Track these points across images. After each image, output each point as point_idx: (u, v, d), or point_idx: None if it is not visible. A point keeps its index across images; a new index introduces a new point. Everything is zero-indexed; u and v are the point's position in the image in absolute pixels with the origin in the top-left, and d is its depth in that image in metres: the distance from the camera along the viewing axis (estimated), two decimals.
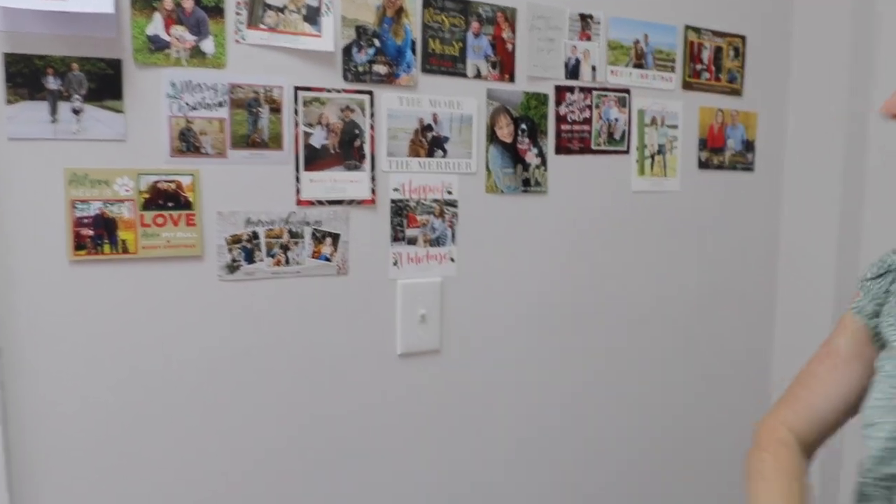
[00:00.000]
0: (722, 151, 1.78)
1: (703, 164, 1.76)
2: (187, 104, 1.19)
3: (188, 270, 1.21)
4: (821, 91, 1.80)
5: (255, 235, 1.26)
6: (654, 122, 1.66)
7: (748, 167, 1.84)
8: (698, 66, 1.71)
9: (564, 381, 1.60)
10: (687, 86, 1.70)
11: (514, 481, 1.57)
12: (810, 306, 1.85)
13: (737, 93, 1.79)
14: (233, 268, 1.25)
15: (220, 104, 1.21)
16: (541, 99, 1.50)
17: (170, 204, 1.19)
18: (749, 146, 1.83)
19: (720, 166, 1.78)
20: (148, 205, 1.18)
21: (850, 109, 1.75)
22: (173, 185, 1.20)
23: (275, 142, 1.26)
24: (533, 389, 1.57)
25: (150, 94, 1.16)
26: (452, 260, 1.44)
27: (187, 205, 1.21)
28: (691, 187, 1.74)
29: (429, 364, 1.44)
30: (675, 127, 1.69)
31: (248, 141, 1.24)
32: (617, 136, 1.61)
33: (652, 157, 1.67)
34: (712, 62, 1.73)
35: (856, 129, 1.76)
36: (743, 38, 1.77)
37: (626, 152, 1.63)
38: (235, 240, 1.25)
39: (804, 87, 1.84)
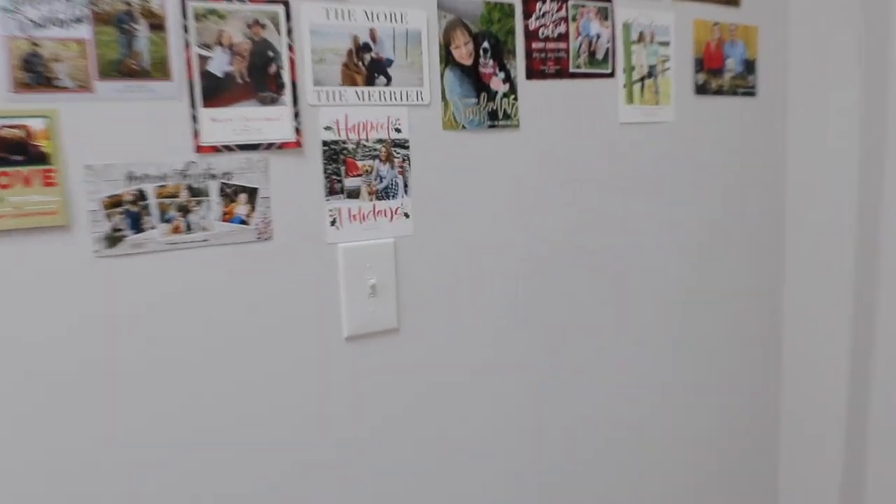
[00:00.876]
0: (720, 73, 1.51)
1: (701, 89, 1.48)
2: (30, 20, 0.87)
3: (50, 246, 0.91)
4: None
5: (141, 195, 0.96)
6: (641, 38, 1.38)
7: (749, 91, 1.57)
8: None
9: (551, 353, 1.34)
10: None
11: (490, 486, 1.31)
12: (824, 242, 1.60)
13: (734, 3, 1.51)
14: (113, 239, 0.95)
15: (78, 19, 0.90)
16: (505, 10, 1.20)
17: (16, 157, 0.88)
18: (750, 66, 1.56)
19: (719, 91, 1.51)
20: None
21: (865, 15, 1.48)
22: (20, 132, 0.88)
23: (159, 69, 0.95)
24: (515, 369, 1.30)
25: None
26: (406, 215, 1.15)
27: (42, 158, 0.89)
28: (688, 116, 1.46)
29: (385, 347, 1.16)
30: (666, 44, 1.41)
31: (122, 69, 0.93)
32: (599, 55, 1.32)
33: (641, 80, 1.39)
34: None
35: (873, 38, 1.49)
36: None
37: (611, 75, 1.34)
38: (114, 202, 0.94)
39: None
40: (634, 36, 1.36)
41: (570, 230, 1.33)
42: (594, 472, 1.43)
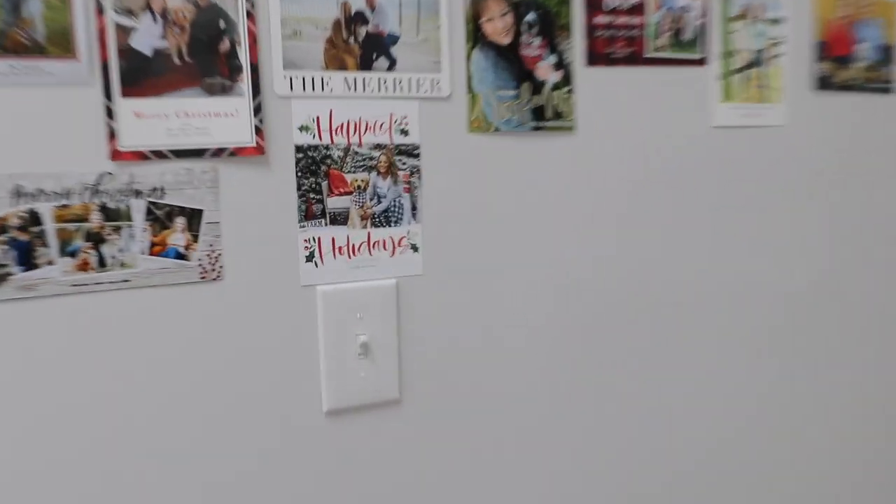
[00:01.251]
0: (849, 62, 1.14)
1: (823, 83, 1.12)
2: None
3: None
4: None
5: (33, 219, 0.69)
6: (745, 13, 1.03)
7: (886, 87, 1.19)
8: None
9: (606, 428, 1.00)
10: None
11: None
12: None
13: None
14: None
15: None
16: None
17: None
18: (888, 54, 1.18)
19: (847, 86, 1.15)
20: None
21: None
22: None
23: (59, 44, 0.68)
24: (556, 453, 0.97)
25: None
26: (415, 248, 0.85)
27: None
28: (804, 119, 1.10)
29: (380, 424, 0.86)
30: (779, 22, 1.06)
31: (5, 42, 0.66)
32: (686, 34, 0.99)
33: (744, 70, 1.04)
34: None
35: None
36: None
37: (703, 63, 1.00)
38: None
39: None
40: (736, 9, 1.02)
41: (639, 269, 0.99)
42: None
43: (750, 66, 1.05)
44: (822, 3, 1.10)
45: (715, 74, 1.02)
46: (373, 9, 0.79)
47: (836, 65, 1.13)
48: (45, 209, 0.69)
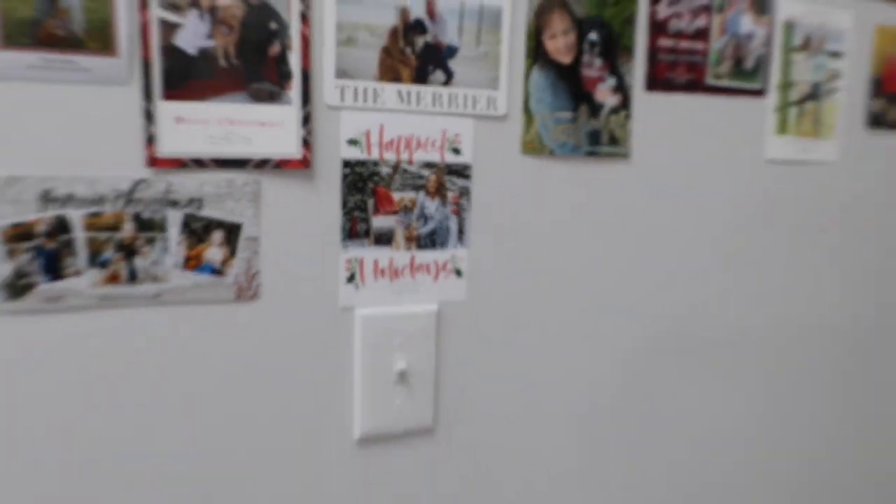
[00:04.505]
0: None
1: (875, 120, 1.08)
2: None
3: None
4: None
5: (62, 226, 0.63)
6: (807, 44, 0.99)
7: None
8: None
9: (650, 465, 0.96)
10: None
11: None
12: None
13: None
14: (17, 288, 0.63)
15: None
16: None
17: None
18: None
19: None
20: None
21: None
22: None
23: (98, 38, 0.63)
24: (599, 489, 0.93)
25: None
26: (459, 273, 0.80)
27: None
28: (856, 156, 1.07)
29: (412, 455, 0.81)
30: (838, 56, 1.02)
31: (39, 33, 0.61)
32: (748, 63, 0.94)
33: (801, 103, 1.00)
34: None
35: None
36: None
37: (762, 93, 0.96)
38: (20, 234, 0.62)
39: None
40: (798, 40, 0.98)
41: (691, 302, 0.95)
42: None
43: (807, 99, 1.00)
44: (882, 38, 1.06)
45: (772, 106, 0.97)
46: (433, 18, 0.74)
47: (890, 103, 1.09)
48: (75, 216, 0.64)
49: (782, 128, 0.99)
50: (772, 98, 0.97)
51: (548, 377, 0.87)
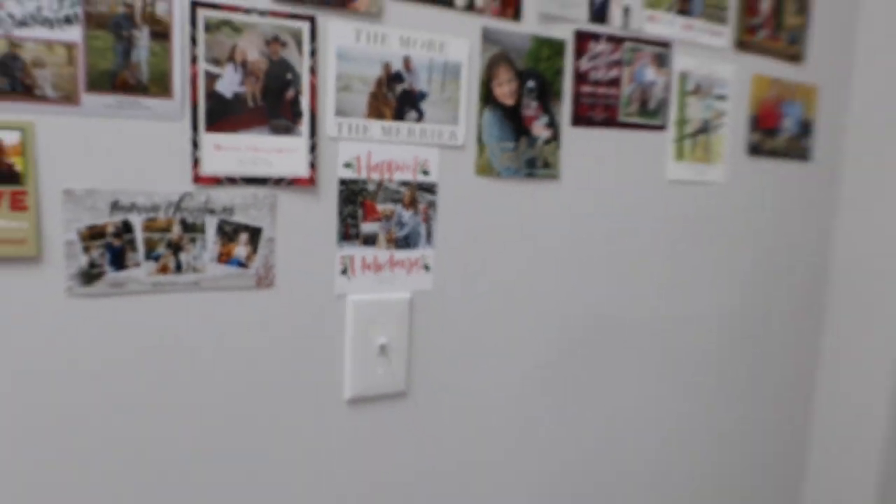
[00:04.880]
0: (775, 134, 1.38)
1: (754, 149, 1.36)
2: (11, 16, 0.75)
3: (16, 279, 0.77)
4: (893, 63, 1.41)
5: (126, 227, 0.82)
6: (698, 90, 1.25)
7: (803, 155, 1.44)
8: (754, 21, 1.30)
9: (576, 427, 1.19)
10: (740, 45, 1.29)
11: None
12: (867, 324, 1.47)
13: (797, 59, 1.38)
14: (90, 276, 0.81)
15: (69, 20, 0.77)
16: (556, 47, 1.07)
17: None
18: (806, 128, 1.43)
19: (773, 153, 1.39)
20: None
21: None
22: None
23: (159, 85, 0.82)
24: (536, 443, 1.16)
25: None
26: (427, 268, 1.02)
27: (13, 177, 0.76)
28: (738, 178, 1.33)
29: (390, 413, 1.02)
30: (723, 98, 1.29)
31: (116, 81, 0.80)
32: (652, 105, 1.20)
33: (694, 136, 1.26)
34: (772, 16, 1.32)
35: None
36: None
37: (663, 128, 1.22)
38: (95, 233, 0.81)
39: (873, 58, 1.45)
40: (691, 86, 1.24)
41: (608, 295, 1.19)
42: None
43: (699, 132, 1.27)
44: (757, 85, 1.34)
45: (671, 138, 1.23)
46: (409, 71, 0.96)
47: (764, 135, 1.37)
48: (137, 221, 0.83)
49: (680, 155, 1.25)
50: (671, 132, 1.23)
51: (496, 353, 1.10)
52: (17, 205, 0.77)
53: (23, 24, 0.75)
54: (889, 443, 1.46)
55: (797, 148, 1.43)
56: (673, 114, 1.23)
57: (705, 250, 1.31)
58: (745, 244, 1.37)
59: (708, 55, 1.25)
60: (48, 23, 0.76)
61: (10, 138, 0.76)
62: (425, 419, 1.05)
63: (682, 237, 1.27)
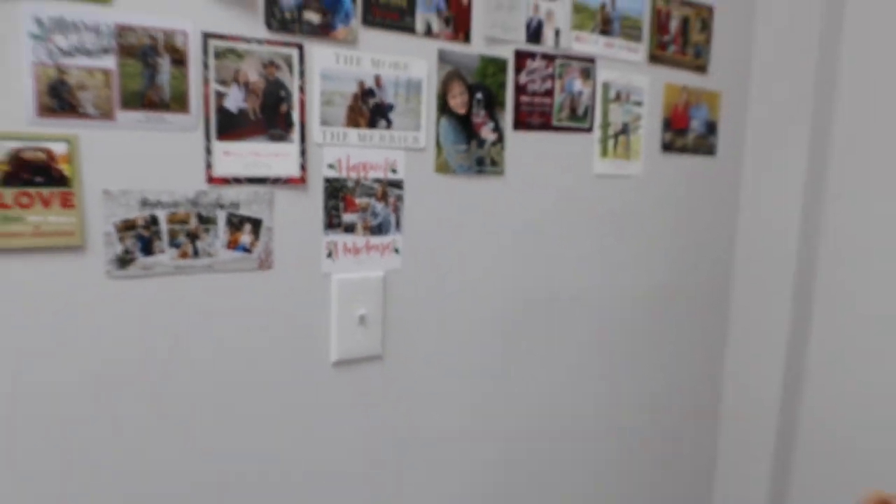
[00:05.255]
0: (685, 133, 1.63)
1: (667, 147, 1.60)
2: (59, 48, 0.92)
3: (65, 265, 0.94)
4: (785, 70, 1.68)
5: (153, 220, 1.00)
6: (619, 97, 1.49)
7: (710, 150, 1.70)
8: (665, 38, 1.54)
9: (521, 384, 1.42)
10: (653, 59, 1.53)
11: (458, 492, 1.38)
12: (766, 299, 1.74)
13: (702, 69, 1.64)
14: (125, 261, 0.99)
15: (105, 51, 0.94)
16: (499, 65, 1.29)
17: (38, 179, 0.92)
18: (712, 128, 1.69)
19: (683, 149, 1.64)
20: (8, 180, 0.90)
21: (816, 91, 1.63)
22: (42, 155, 0.92)
23: (178, 102, 1.00)
24: (489, 397, 1.37)
25: (5, 32, 0.88)
26: (397, 251, 1.22)
27: (62, 181, 0.93)
28: (654, 172, 1.58)
29: (369, 373, 1.22)
30: (640, 104, 1.53)
31: (144, 100, 0.97)
32: (580, 111, 1.42)
33: (616, 136, 1.49)
34: (680, 34, 1.57)
35: (821, 112, 1.64)
36: (710, 8, 1.62)
37: (589, 130, 1.45)
38: (128, 226, 0.98)
39: (768, 66, 1.72)
40: (612, 95, 1.47)
41: (547, 272, 1.42)
42: (560, 487, 1.51)
43: (620, 133, 1.50)
44: (669, 92, 1.58)
45: (597, 138, 1.46)
46: (379, 87, 1.16)
47: (676, 135, 1.62)
48: (162, 214, 1.01)
49: (604, 153, 1.49)
50: (596, 133, 1.46)
51: (456, 321, 1.31)
52: (66, 203, 0.94)
53: (68, 54, 0.92)
54: (784, 391, 1.73)
55: (704, 145, 1.68)
56: (598, 118, 1.46)
57: (627, 234, 1.55)
58: (662, 228, 1.61)
59: (626, 68, 1.48)
60: (89, 53, 0.93)
61: (60, 149, 0.93)
62: (398, 378, 1.26)
63: (607, 223, 1.50)
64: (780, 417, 1.74)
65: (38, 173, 0.92)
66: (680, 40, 1.57)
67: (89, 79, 0.94)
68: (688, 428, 1.78)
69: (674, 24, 1.56)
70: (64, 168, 0.93)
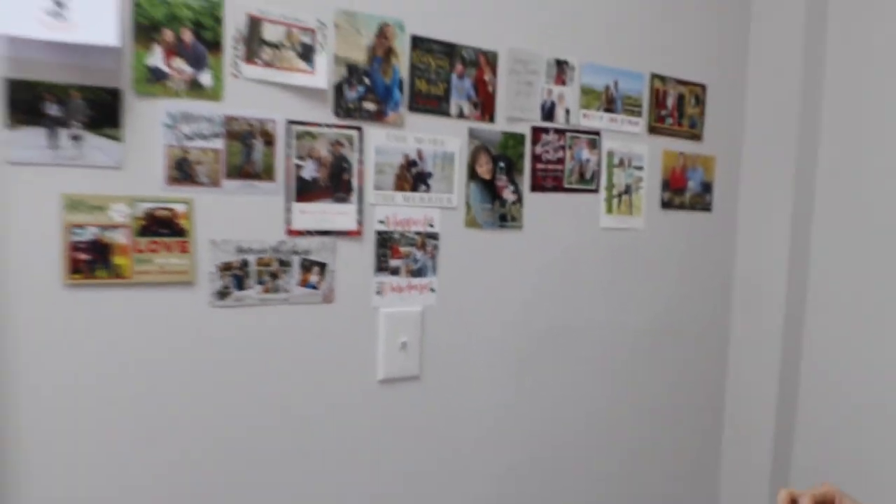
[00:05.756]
0: (683, 192, 1.89)
1: (666, 204, 1.86)
2: (184, 134, 1.23)
3: (180, 296, 1.24)
4: (772, 136, 1.93)
5: (245, 263, 1.30)
6: (621, 163, 1.76)
7: (706, 207, 1.95)
8: (663, 112, 1.82)
9: (537, 403, 1.67)
10: (652, 130, 1.80)
11: (483, 495, 1.62)
12: (761, 337, 1.96)
13: (697, 138, 1.90)
14: (223, 294, 1.28)
15: (216, 135, 1.25)
16: (518, 139, 1.58)
17: (164, 231, 1.22)
18: (707, 188, 1.95)
19: (681, 206, 1.89)
20: (143, 231, 1.20)
21: (800, 155, 1.88)
22: (168, 213, 1.23)
23: (267, 173, 1.30)
24: (508, 413, 1.63)
25: (147, 123, 1.20)
26: (433, 290, 1.50)
27: (181, 232, 1.24)
28: (654, 225, 1.83)
29: (408, 390, 1.49)
30: (640, 168, 1.80)
31: (242, 172, 1.28)
32: (587, 175, 1.70)
33: (619, 196, 1.76)
34: (676, 108, 1.84)
35: (805, 171, 1.89)
36: (703, 86, 1.89)
37: (596, 191, 1.72)
38: (226, 267, 1.28)
39: (757, 135, 1.97)
40: (616, 161, 1.75)
41: (559, 310, 1.68)
42: (567, 490, 1.74)
43: (623, 193, 1.77)
44: (666, 157, 1.85)
45: (602, 198, 1.73)
46: (421, 159, 1.45)
47: (674, 193, 1.88)
48: (251, 258, 1.30)
49: (609, 210, 1.75)
50: (602, 193, 1.73)
51: (482, 349, 1.57)
52: (183, 249, 1.24)
53: (190, 138, 1.23)
54: (778, 415, 1.94)
55: (701, 202, 1.94)
56: (603, 181, 1.73)
57: (630, 278, 1.80)
58: (662, 273, 1.86)
59: (628, 139, 1.76)
60: (204, 137, 1.24)
61: (181, 208, 1.23)
62: (433, 395, 1.52)
63: (611, 268, 1.76)
64: (775, 429, 1.95)
65: (165, 226, 1.22)
66: (676, 114, 1.85)
67: (204, 156, 1.25)
68: (691, 435, 1.99)
69: (670, 101, 1.83)
70: (183, 223, 1.24)
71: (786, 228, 1.91)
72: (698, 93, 1.89)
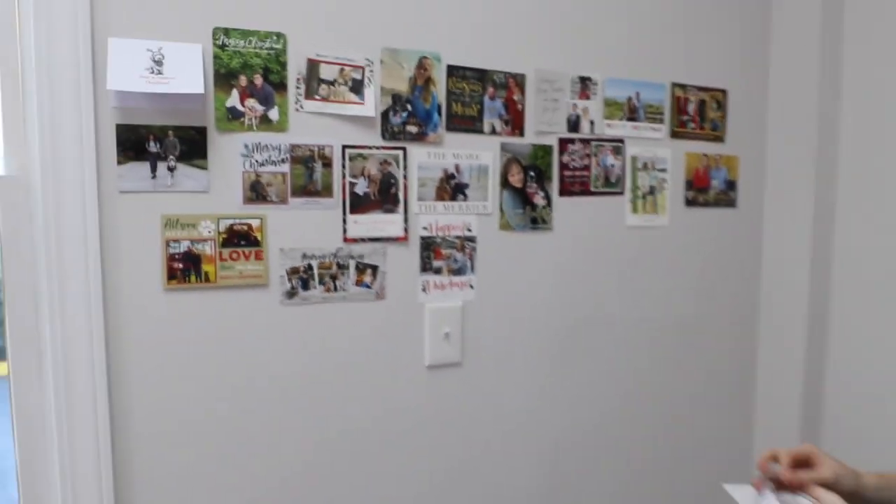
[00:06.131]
0: (707, 191, 2.04)
1: (690, 202, 2.01)
2: (257, 161, 1.47)
3: (256, 296, 1.48)
4: (794, 135, 2.05)
5: (309, 267, 1.53)
6: (645, 166, 1.92)
7: (731, 203, 2.09)
8: (684, 118, 1.97)
9: (567, 389, 1.86)
10: (674, 135, 1.95)
11: (518, 470, 1.82)
12: (788, 330, 2.09)
13: (720, 139, 2.04)
14: (291, 294, 1.52)
15: (283, 161, 1.49)
16: (547, 150, 1.76)
17: (242, 242, 1.47)
18: (731, 185, 2.08)
19: (705, 203, 2.04)
20: (225, 243, 1.45)
21: (820, 151, 2.00)
22: (245, 227, 1.47)
23: (326, 190, 1.53)
24: (540, 397, 1.82)
25: (228, 154, 1.44)
26: (472, 287, 1.70)
27: (256, 243, 1.48)
28: (679, 223, 1.99)
29: (451, 374, 1.70)
30: (664, 170, 1.95)
31: (305, 190, 1.51)
32: (613, 179, 1.87)
33: (644, 196, 1.93)
34: (697, 113, 1.99)
35: (826, 168, 2.01)
36: (724, 91, 2.03)
37: (621, 193, 1.89)
38: (294, 271, 1.52)
39: (780, 133, 2.09)
40: (640, 165, 1.91)
41: (588, 305, 1.86)
42: (593, 473, 1.93)
43: (647, 194, 1.93)
44: (690, 159, 2.00)
45: (628, 199, 1.90)
46: (459, 172, 1.66)
47: (698, 192, 2.02)
48: (315, 263, 1.53)
49: (635, 209, 1.92)
50: (627, 195, 1.90)
51: (517, 338, 1.77)
52: (258, 257, 1.48)
53: (262, 164, 1.47)
54: (805, 410, 2.07)
55: (726, 199, 2.08)
56: (628, 184, 1.90)
57: (656, 273, 1.96)
58: (688, 268, 2.02)
59: (651, 144, 1.92)
60: (273, 163, 1.48)
61: (256, 223, 1.48)
62: (473, 379, 1.73)
63: (638, 264, 1.93)
64: (802, 422, 2.08)
65: (243, 238, 1.47)
66: (698, 118, 1.99)
67: (273, 179, 1.49)
68: (721, 411, 2.14)
69: (691, 107, 1.98)
70: (257, 235, 1.48)
71: (808, 223, 2.02)
72: (719, 97, 2.03)
